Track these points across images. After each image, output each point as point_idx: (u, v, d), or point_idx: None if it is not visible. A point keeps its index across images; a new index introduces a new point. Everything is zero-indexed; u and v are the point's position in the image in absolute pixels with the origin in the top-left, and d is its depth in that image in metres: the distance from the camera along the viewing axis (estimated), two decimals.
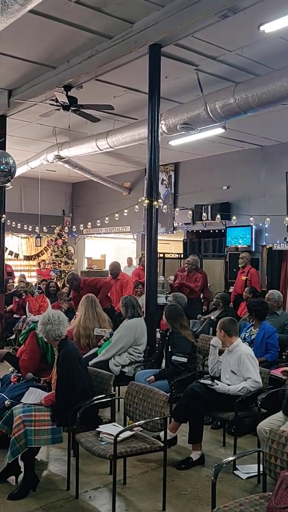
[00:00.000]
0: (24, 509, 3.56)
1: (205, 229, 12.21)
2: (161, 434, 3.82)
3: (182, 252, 12.78)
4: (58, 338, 4.07)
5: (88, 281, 8.11)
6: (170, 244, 16.16)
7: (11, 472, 3.95)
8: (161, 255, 12.76)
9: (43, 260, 15.41)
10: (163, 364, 5.19)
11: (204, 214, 10.89)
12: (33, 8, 4.74)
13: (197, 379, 4.63)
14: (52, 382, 4.11)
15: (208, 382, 4.41)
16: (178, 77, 7.34)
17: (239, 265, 9.31)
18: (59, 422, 3.85)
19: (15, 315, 9.44)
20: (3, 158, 4.56)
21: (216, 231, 11.91)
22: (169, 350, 5.12)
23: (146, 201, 5.97)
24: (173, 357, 5.02)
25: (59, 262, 15.07)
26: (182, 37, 5.92)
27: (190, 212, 12.26)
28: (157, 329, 6.29)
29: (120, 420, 4.35)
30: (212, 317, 7.37)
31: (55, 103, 7.44)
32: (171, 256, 12.92)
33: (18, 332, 8.76)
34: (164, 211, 10.65)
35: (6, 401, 4.17)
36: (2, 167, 4.50)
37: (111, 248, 18.92)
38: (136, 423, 3.79)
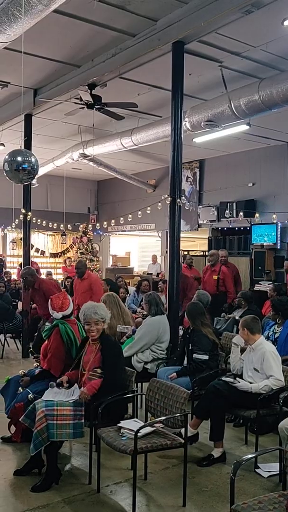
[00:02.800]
0: (46, 501, 3.62)
1: (230, 226, 12.14)
2: (182, 430, 3.84)
3: (207, 249, 12.75)
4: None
5: (43, 286, 7.56)
6: (195, 242, 16.13)
7: (34, 465, 4.02)
8: (186, 252, 12.76)
9: (69, 258, 15.58)
10: (185, 362, 5.19)
11: (228, 212, 10.81)
12: (57, 8, 4.80)
13: (219, 377, 4.62)
14: (84, 378, 4.14)
15: (230, 379, 4.40)
16: (202, 74, 7.31)
17: (209, 263, 8.84)
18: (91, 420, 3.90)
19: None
20: (25, 157, 4.62)
21: (242, 228, 11.82)
22: (190, 348, 5.12)
23: (169, 198, 5.97)
24: (194, 355, 5.02)
25: (84, 259, 15.19)
26: (205, 33, 5.88)
27: (213, 209, 12.22)
28: (180, 326, 6.29)
29: (142, 416, 4.39)
30: (236, 316, 7.33)
31: (80, 102, 7.50)
32: (195, 254, 12.90)
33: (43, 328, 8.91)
34: (187, 208, 10.63)
35: (30, 395, 4.25)
36: (25, 166, 4.57)
37: (135, 245, 18.99)
38: (157, 419, 3.81)
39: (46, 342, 4.73)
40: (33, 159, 4.66)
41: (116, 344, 4.40)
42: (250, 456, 3.22)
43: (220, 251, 9.27)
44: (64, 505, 3.60)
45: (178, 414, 3.73)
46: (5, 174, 4.86)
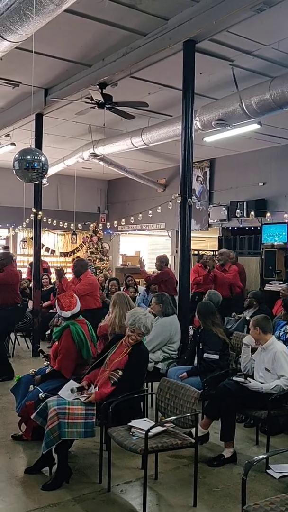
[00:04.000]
0: (57, 499, 3.63)
1: (241, 226, 12.09)
2: (193, 430, 3.83)
3: (217, 249, 12.70)
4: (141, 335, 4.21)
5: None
6: (205, 241, 16.08)
7: (45, 463, 4.03)
8: (196, 252, 12.73)
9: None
10: (195, 361, 5.18)
11: (238, 211, 10.75)
12: (68, 7, 4.80)
13: (230, 377, 4.60)
14: (103, 377, 4.14)
15: (241, 379, 4.39)
16: (213, 73, 7.29)
17: (219, 263, 8.59)
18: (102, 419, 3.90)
19: (51, 310, 9.62)
20: (35, 156, 4.63)
21: (252, 228, 11.77)
22: (201, 347, 5.11)
23: (180, 198, 5.96)
24: (205, 355, 5.01)
25: (94, 258, 15.22)
26: (217, 32, 5.85)
27: (223, 208, 12.18)
28: (190, 326, 6.28)
29: (152, 416, 4.39)
30: (247, 316, 7.30)
31: (90, 101, 7.51)
32: (205, 253, 12.85)
33: (54, 327, 8.94)
34: (198, 207, 10.59)
35: (41, 394, 4.27)
36: (35, 165, 4.58)
37: (145, 245, 18.98)
38: (167, 419, 3.81)
39: (56, 343, 4.73)
40: (42, 158, 4.67)
41: (145, 354, 4.30)
42: (261, 456, 3.22)
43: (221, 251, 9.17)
44: (74, 503, 3.61)
45: (189, 414, 3.73)
46: (15, 173, 4.87)
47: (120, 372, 4.04)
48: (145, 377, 4.33)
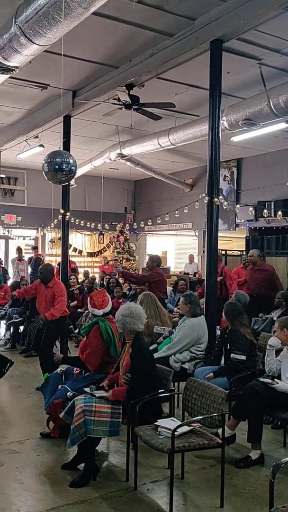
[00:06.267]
0: (84, 497, 3.67)
1: (268, 225, 11.98)
2: (220, 431, 3.82)
3: (244, 249, 12.62)
4: (134, 332, 4.15)
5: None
6: (233, 241, 15.98)
7: (81, 460, 4.05)
8: (223, 252, 12.65)
9: (105, 257, 15.72)
10: (222, 361, 5.16)
11: (266, 211, 10.64)
12: (96, 10, 4.85)
13: (257, 377, 4.57)
14: (120, 378, 4.18)
15: (268, 380, 4.35)
16: (240, 72, 7.25)
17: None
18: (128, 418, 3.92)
19: (79, 310, 9.72)
20: (64, 158, 4.71)
21: (280, 227, 11.64)
22: (228, 347, 5.09)
23: (207, 197, 5.95)
24: (232, 355, 4.99)
25: (121, 258, 15.30)
26: (244, 31, 5.84)
27: (251, 208, 12.07)
28: (217, 326, 6.25)
29: (179, 416, 4.39)
30: (274, 317, 7.22)
31: (118, 102, 7.57)
32: (233, 253, 12.78)
33: (81, 326, 9.03)
34: (225, 207, 10.52)
35: (69, 393, 4.31)
36: (64, 167, 4.66)
37: (172, 245, 18.98)
38: (194, 419, 3.81)
39: (84, 338, 4.79)
40: (71, 160, 4.74)
41: (142, 350, 4.14)
42: None
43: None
44: (101, 501, 3.64)
45: (216, 414, 3.72)
46: (44, 175, 4.96)
47: (129, 375, 4.05)
48: (172, 376, 4.34)
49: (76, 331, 9.30)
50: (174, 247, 19.00)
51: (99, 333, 4.58)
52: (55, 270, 7.24)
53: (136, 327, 4.14)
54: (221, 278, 8.06)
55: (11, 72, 6.13)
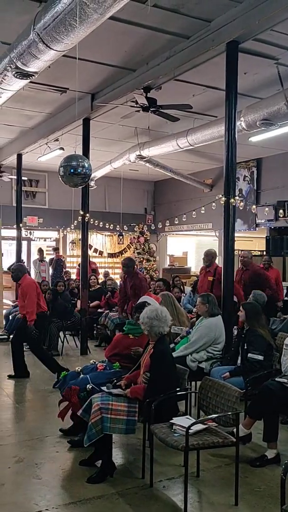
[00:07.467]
0: (101, 492, 3.76)
1: None
2: (235, 430, 3.85)
3: (264, 249, 12.56)
4: (159, 335, 4.21)
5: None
6: (253, 241, 15.91)
7: (99, 457, 4.13)
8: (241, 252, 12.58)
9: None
10: (239, 361, 5.19)
11: (281, 211, 10.57)
12: (112, 14, 4.93)
13: (273, 377, 4.58)
14: (139, 378, 4.24)
15: (284, 380, 4.36)
16: (257, 72, 7.25)
17: (204, 264, 8.06)
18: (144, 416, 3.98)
19: (99, 310, 9.83)
20: (79, 162, 4.82)
21: None
22: (245, 347, 5.11)
23: (223, 198, 5.98)
24: (249, 355, 5.01)
25: (141, 259, 15.37)
26: (260, 31, 5.83)
27: (267, 208, 12.02)
28: (235, 326, 6.27)
29: (195, 414, 4.43)
30: None
31: (136, 105, 7.64)
32: (253, 254, 12.72)
33: (102, 326, 9.14)
34: (241, 208, 10.49)
35: (88, 385, 4.40)
36: (79, 170, 4.76)
37: (193, 245, 18.98)
38: (208, 417, 3.85)
39: (119, 333, 4.88)
40: (86, 164, 4.85)
41: (164, 354, 4.17)
42: None
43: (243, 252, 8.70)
44: (118, 497, 3.72)
45: (230, 413, 3.76)
46: (60, 178, 5.08)
47: (148, 374, 4.11)
48: (187, 375, 4.39)
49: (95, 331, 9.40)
50: (195, 247, 19.00)
51: None
52: (25, 268, 7.93)
53: (162, 330, 4.19)
54: (213, 278, 8.03)
55: (31, 78, 6.26)
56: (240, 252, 8.74)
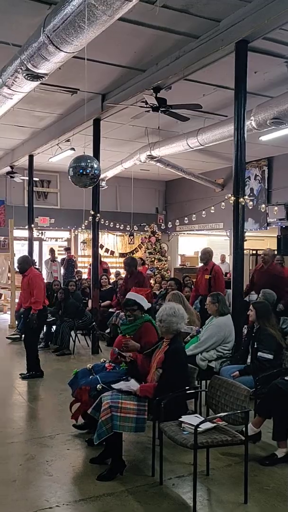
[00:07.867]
0: (111, 490, 3.80)
1: None
2: (245, 428, 3.86)
3: (276, 248, 12.50)
4: (175, 332, 4.25)
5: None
6: (265, 240, 15.84)
7: (108, 454, 4.17)
8: (254, 252, 12.59)
9: (141, 258, 15.84)
10: (248, 360, 5.20)
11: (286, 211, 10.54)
12: (121, 16, 4.97)
13: (283, 376, 4.58)
14: (150, 374, 4.27)
15: None
16: (267, 71, 7.24)
17: (201, 262, 8.10)
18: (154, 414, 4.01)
19: (110, 309, 9.88)
20: (88, 163, 4.87)
21: None
22: (255, 346, 5.12)
23: (232, 198, 5.98)
24: (259, 354, 5.01)
25: (153, 259, 15.40)
26: (269, 30, 5.81)
27: (276, 208, 11.97)
28: (245, 325, 6.27)
29: (204, 413, 4.45)
30: None
31: (146, 105, 7.67)
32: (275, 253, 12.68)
33: (113, 326, 9.18)
34: (250, 207, 10.45)
35: (98, 385, 4.44)
36: (88, 171, 4.81)
37: (204, 245, 18.94)
38: (217, 415, 3.87)
39: (121, 336, 4.94)
40: (95, 165, 4.90)
41: (179, 353, 4.22)
42: None
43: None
44: (127, 494, 3.75)
45: (239, 411, 3.77)
46: (70, 179, 5.13)
47: (160, 371, 4.14)
48: (196, 373, 4.41)
49: (107, 330, 9.45)
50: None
51: (154, 330, 4.73)
52: (31, 260, 8.02)
53: (179, 326, 4.24)
54: (210, 276, 8.05)
55: (41, 79, 6.31)
56: (260, 251, 8.80)
